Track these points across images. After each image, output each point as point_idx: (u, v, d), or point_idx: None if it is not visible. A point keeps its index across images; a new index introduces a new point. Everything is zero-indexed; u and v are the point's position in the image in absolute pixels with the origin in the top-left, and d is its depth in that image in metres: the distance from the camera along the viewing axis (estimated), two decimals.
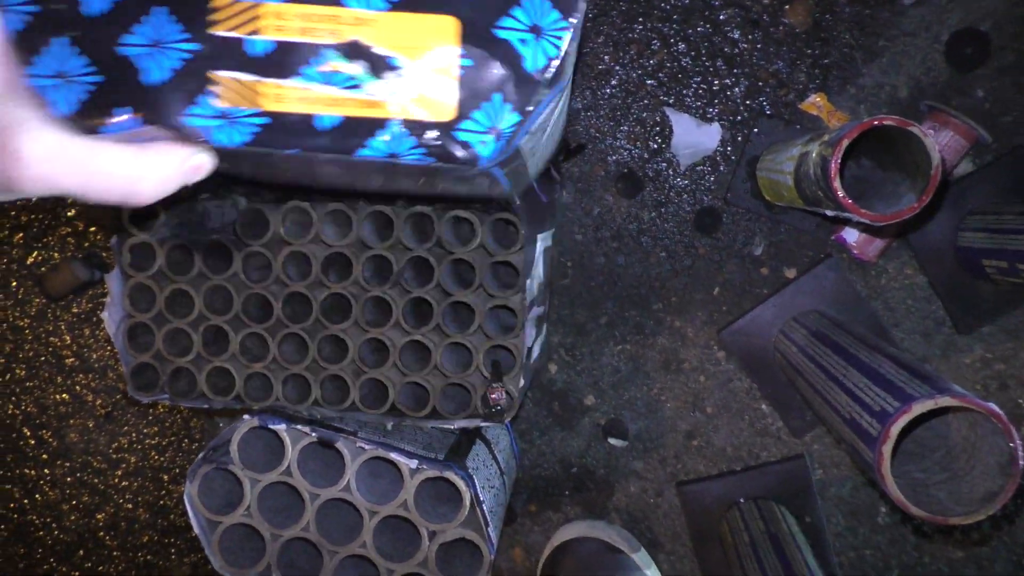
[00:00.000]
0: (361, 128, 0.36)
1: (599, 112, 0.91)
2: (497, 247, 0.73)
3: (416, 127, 0.36)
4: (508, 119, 0.37)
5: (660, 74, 0.91)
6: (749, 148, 0.88)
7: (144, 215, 0.77)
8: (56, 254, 1.02)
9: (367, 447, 0.70)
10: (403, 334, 0.74)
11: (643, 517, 0.96)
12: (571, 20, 0.37)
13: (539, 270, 0.78)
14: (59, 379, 1.05)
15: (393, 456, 0.69)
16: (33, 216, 1.02)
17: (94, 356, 1.05)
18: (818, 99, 0.87)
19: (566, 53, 0.37)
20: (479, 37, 0.36)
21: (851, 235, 0.85)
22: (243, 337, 0.76)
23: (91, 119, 0.35)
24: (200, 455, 0.72)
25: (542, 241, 0.80)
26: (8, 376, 1.05)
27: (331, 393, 0.75)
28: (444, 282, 0.72)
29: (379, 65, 0.36)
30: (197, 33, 0.35)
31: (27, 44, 0.35)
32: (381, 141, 0.36)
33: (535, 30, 0.37)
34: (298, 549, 0.76)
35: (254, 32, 0.35)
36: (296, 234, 0.74)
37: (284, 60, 0.35)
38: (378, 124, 0.36)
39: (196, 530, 0.72)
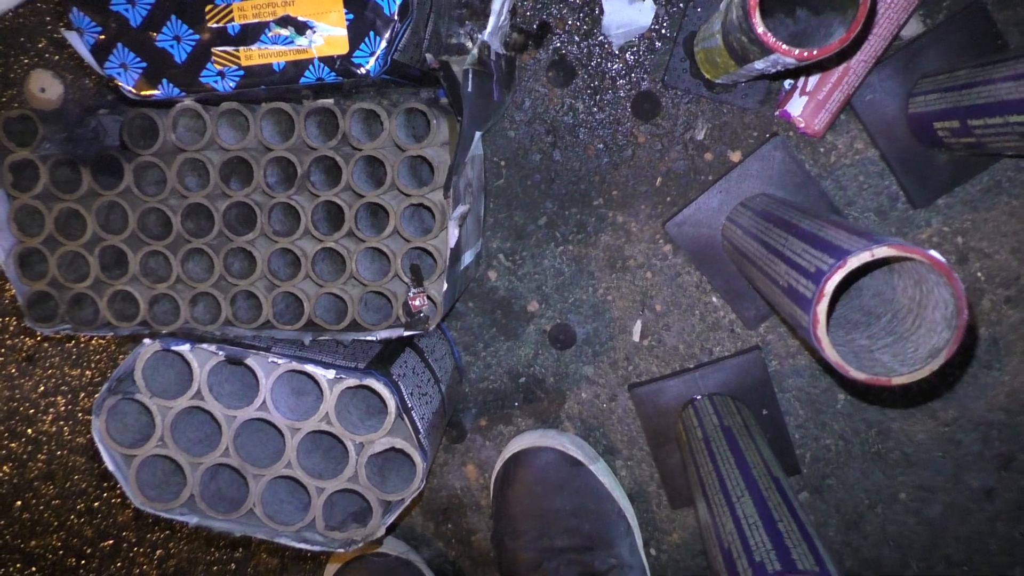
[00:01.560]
0: (299, 66, 0.62)
1: None
2: (411, 141, 0.67)
3: (328, 60, 0.62)
4: (381, 45, 0.61)
5: None
6: (686, 23, 0.83)
7: (23, 131, 0.71)
8: None
9: (280, 361, 0.66)
10: (315, 242, 0.69)
11: (598, 424, 0.94)
12: None
13: (467, 168, 0.73)
14: None
15: (308, 368, 0.65)
16: None
17: (5, 299, 1.00)
18: None
19: None
20: (353, 1, 0.60)
21: (796, 107, 0.81)
22: (144, 257, 0.71)
23: (145, 90, 0.64)
24: (104, 387, 0.67)
25: (479, 138, 0.75)
26: None
27: (244, 311, 0.71)
28: (355, 183, 0.67)
29: (301, 27, 0.61)
30: (198, 28, 0.62)
31: (100, 51, 0.63)
32: (310, 72, 0.62)
33: None
34: (225, 478, 0.73)
35: (229, 21, 0.61)
36: (190, 141, 0.69)
37: (248, 35, 0.62)
38: (308, 62, 0.62)
39: (111, 467, 0.69)
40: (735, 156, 0.87)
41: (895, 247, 0.47)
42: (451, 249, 0.67)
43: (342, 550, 0.70)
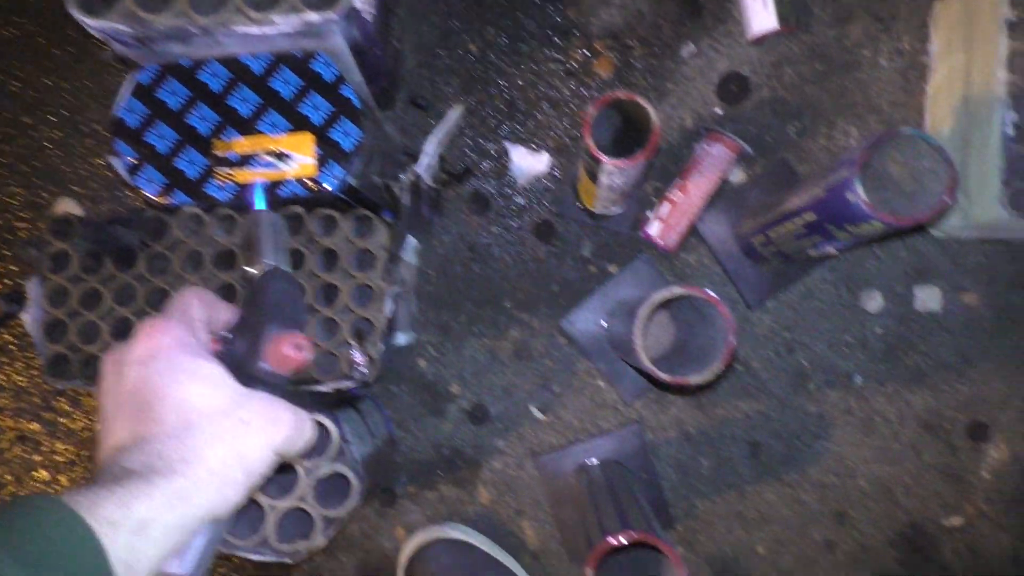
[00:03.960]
0: (278, 184, 0.88)
1: (451, 146, 1.14)
2: (359, 237, 0.92)
3: (300, 180, 0.88)
4: (338, 169, 0.87)
5: (498, 114, 1.14)
6: (572, 169, 1.12)
7: (61, 231, 0.94)
8: None
9: None
10: None
11: (508, 489, 1.13)
12: (362, 126, 0.88)
13: (403, 271, 0.98)
14: None
15: None
16: None
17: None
18: None
19: (363, 138, 0.88)
20: (323, 139, 0.87)
21: (654, 229, 1.08)
22: None
23: (163, 197, 0.89)
24: None
25: (412, 242, 1.00)
26: None
27: None
28: (314, 267, 0.91)
29: (283, 157, 0.87)
30: (207, 156, 0.89)
31: (133, 170, 0.90)
32: (287, 188, 0.88)
33: (345, 133, 0.88)
34: None
35: (230, 151, 0.88)
36: (191, 236, 0.92)
37: (244, 161, 0.88)
38: (285, 181, 0.88)
39: None
40: (613, 268, 1.13)
41: (684, 287, 0.72)
42: (386, 318, 0.90)
43: (289, 560, 0.87)
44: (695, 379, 0.74)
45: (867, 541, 1.11)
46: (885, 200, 0.76)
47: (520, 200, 1.15)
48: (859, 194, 0.72)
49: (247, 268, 0.60)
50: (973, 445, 1.10)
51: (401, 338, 1.02)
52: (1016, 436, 1.10)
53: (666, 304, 0.91)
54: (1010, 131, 0.90)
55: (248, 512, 0.89)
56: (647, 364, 0.73)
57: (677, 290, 0.73)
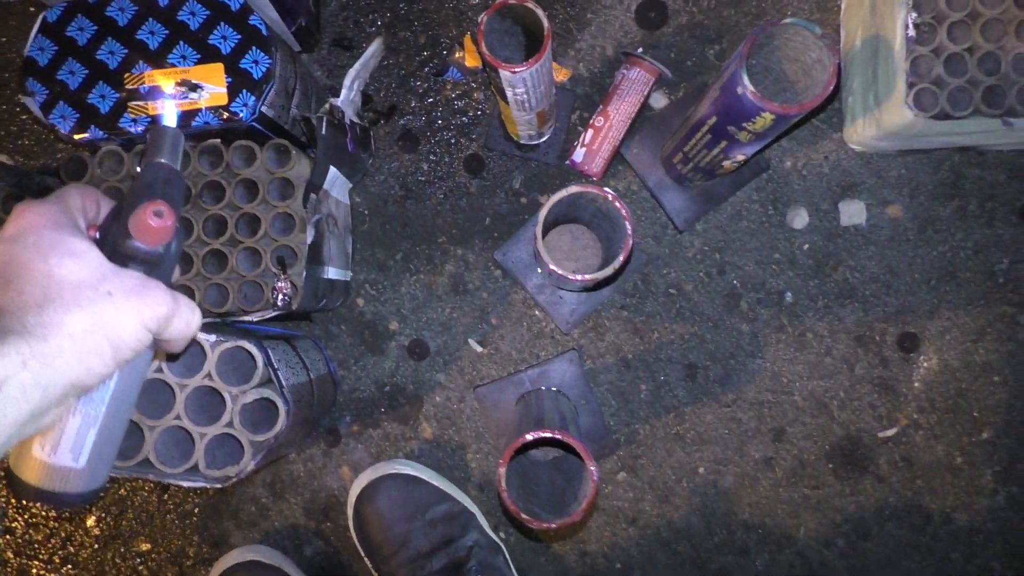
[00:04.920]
0: (191, 115, 0.90)
1: (378, 85, 1.15)
2: (278, 167, 0.94)
3: (213, 109, 0.89)
4: (251, 98, 0.89)
5: (424, 51, 1.15)
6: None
7: None
8: None
9: None
10: (204, 246, 0.93)
11: (450, 423, 1.15)
12: (271, 54, 0.90)
13: (331, 204, 0.99)
14: None
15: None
16: None
17: None
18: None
19: (272, 65, 0.90)
20: (233, 69, 0.89)
21: (578, 157, 1.10)
22: None
23: (78, 134, 0.91)
24: None
25: (341, 179, 1.02)
26: None
27: None
28: (235, 199, 0.93)
29: (194, 87, 0.89)
30: (119, 90, 0.90)
31: (47, 107, 0.91)
32: (200, 117, 0.89)
33: (255, 62, 0.89)
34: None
35: (141, 84, 0.90)
36: (111, 174, 0.93)
37: (155, 93, 0.90)
38: (197, 111, 0.89)
39: None
40: (543, 198, 1.15)
41: (578, 186, 0.73)
42: (309, 245, 0.92)
43: (219, 485, 0.89)
44: (599, 275, 0.75)
45: (804, 456, 1.14)
46: (776, 93, 0.77)
47: (450, 136, 1.16)
48: (746, 85, 0.73)
49: (137, 169, 0.61)
50: (904, 356, 1.13)
51: (332, 272, 1.03)
52: (945, 345, 1.12)
53: (580, 220, 0.93)
54: (912, 32, 0.92)
55: (178, 439, 0.91)
56: (549, 264, 0.75)
57: (573, 188, 0.75)
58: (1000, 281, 1.11)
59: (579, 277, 0.78)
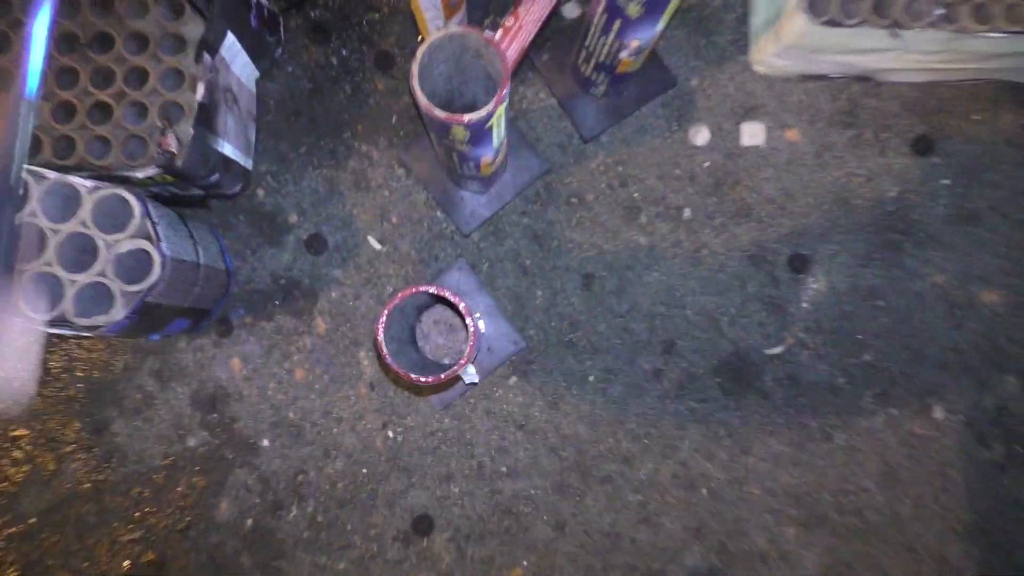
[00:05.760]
0: None
1: None
2: (171, 22, 0.92)
3: None
4: None
5: None
6: None
7: None
8: None
9: (50, 176, 0.86)
10: (88, 96, 0.91)
11: (344, 319, 1.15)
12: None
13: (232, 82, 0.98)
14: None
15: (70, 179, 0.86)
16: None
17: None
18: None
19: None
20: None
21: None
22: None
23: None
24: None
25: (245, 59, 1.00)
26: None
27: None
28: (123, 50, 0.91)
29: None
30: None
31: None
32: None
33: None
34: None
35: None
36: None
37: None
38: None
39: None
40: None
41: (460, 28, 0.74)
42: (199, 105, 0.91)
43: (89, 335, 0.87)
44: (473, 115, 0.76)
45: (693, 370, 1.15)
46: None
47: (362, 31, 1.16)
48: None
49: None
50: (794, 277, 1.15)
51: (228, 149, 1.02)
52: (834, 268, 1.15)
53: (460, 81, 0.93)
54: None
55: (46, 286, 0.89)
56: (423, 100, 0.75)
57: (453, 29, 0.75)
58: (889, 209, 1.15)
59: (448, 116, 0.79)
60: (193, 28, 0.93)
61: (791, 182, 1.15)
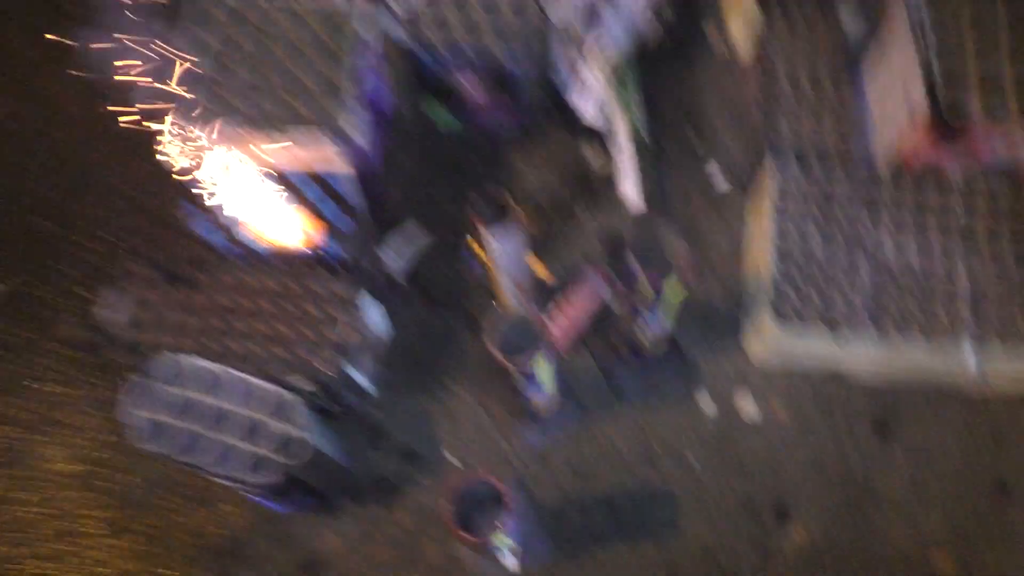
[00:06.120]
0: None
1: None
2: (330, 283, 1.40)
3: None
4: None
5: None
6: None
7: None
8: None
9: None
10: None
11: (423, 515, 1.49)
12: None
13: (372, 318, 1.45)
14: None
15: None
16: None
17: None
18: None
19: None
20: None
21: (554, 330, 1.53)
22: None
23: None
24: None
25: (373, 304, 1.47)
26: None
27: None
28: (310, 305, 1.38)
29: None
30: None
31: None
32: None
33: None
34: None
35: None
36: None
37: None
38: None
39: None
40: None
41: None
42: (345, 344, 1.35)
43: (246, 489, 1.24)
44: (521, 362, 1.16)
45: None
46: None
47: (458, 299, 1.62)
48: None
49: None
50: (779, 523, 1.44)
51: (359, 377, 1.44)
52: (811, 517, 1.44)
53: None
54: (777, 274, 1.38)
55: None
56: (498, 356, 1.16)
57: (521, 309, 1.18)
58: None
59: None
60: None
61: (778, 449, 1.49)
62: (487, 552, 1.24)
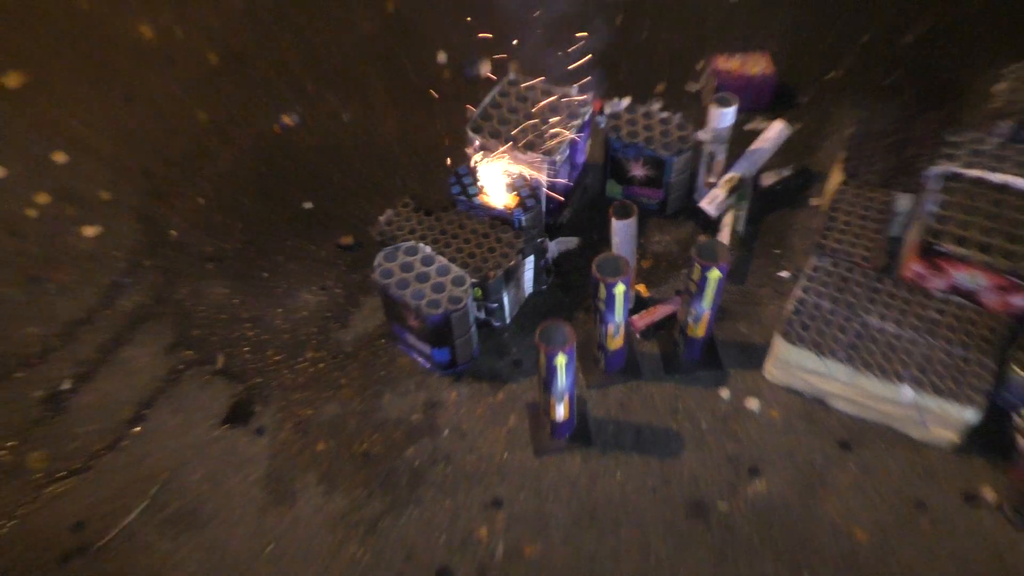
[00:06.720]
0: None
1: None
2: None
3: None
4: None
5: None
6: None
7: None
8: None
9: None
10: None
11: (512, 390, 2.22)
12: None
13: (526, 276, 2.30)
14: None
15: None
16: None
17: None
18: None
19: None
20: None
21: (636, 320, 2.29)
22: None
23: None
24: None
25: (530, 269, 2.32)
26: None
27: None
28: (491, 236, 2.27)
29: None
30: None
31: None
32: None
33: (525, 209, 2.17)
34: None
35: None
36: None
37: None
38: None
39: None
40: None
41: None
42: (510, 266, 2.20)
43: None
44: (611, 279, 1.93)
45: None
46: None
47: (588, 297, 2.41)
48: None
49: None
50: (749, 477, 2.01)
51: (506, 299, 2.25)
52: (774, 480, 2.00)
53: None
54: (792, 311, 2.07)
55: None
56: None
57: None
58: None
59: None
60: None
61: (765, 433, 2.08)
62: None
